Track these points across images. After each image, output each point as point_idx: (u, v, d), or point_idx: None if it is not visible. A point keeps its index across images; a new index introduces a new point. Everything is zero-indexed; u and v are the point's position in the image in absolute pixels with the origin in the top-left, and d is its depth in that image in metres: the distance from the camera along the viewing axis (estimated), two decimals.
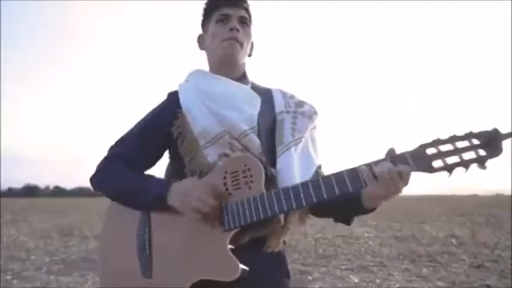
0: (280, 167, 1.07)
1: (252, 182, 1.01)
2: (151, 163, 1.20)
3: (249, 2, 1.23)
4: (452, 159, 0.91)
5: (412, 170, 0.92)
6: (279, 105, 1.19)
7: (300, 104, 1.20)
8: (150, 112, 1.22)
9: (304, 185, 0.97)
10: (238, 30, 1.17)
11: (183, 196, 1.02)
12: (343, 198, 0.98)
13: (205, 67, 1.26)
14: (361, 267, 4.88)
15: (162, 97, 1.23)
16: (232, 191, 1.02)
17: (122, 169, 1.14)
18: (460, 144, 0.92)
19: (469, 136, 0.91)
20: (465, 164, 0.91)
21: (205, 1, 1.25)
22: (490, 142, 0.89)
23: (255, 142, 1.08)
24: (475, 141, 0.91)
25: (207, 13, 1.23)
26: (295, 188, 0.97)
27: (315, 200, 0.95)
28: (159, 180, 1.12)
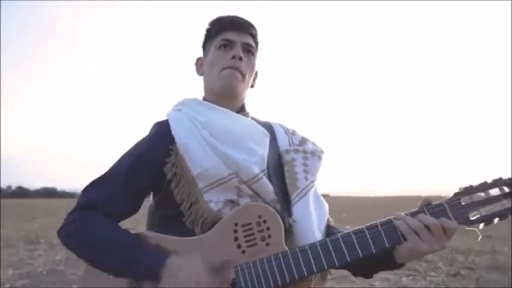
0: (297, 216, 0.94)
1: (269, 237, 0.88)
2: (134, 211, 1.00)
3: (257, 29, 1.10)
4: (487, 210, 0.86)
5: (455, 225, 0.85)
6: (283, 142, 1.06)
7: (304, 141, 1.09)
8: (136, 147, 1.02)
9: (335, 241, 0.86)
10: (241, 58, 1.03)
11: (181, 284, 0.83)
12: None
13: (198, 94, 1.12)
14: (341, 277, 4.85)
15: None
16: (245, 249, 0.88)
17: (105, 229, 0.93)
18: (492, 192, 0.88)
19: (499, 183, 0.88)
20: (502, 215, 0.86)
21: (209, 22, 1.11)
22: None
23: (268, 187, 0.95)
24: (506, 189, 0.87)
25: (209, 35, 1.10)
26: (323, 245, 0.86)
27: (348, 260, 0.84)
28: (152, 252, 0.89)
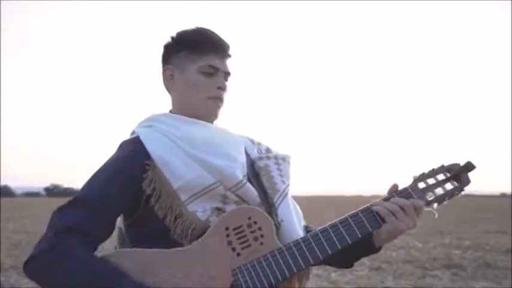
0: (282, 217, 0.99)
1: (262, 236, 0.91)
2: (111, 233, 0.95)
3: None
4: (438, 191, 1.02)
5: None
6: (251, 151, 1.10)
7: (269, 150, 1.14)
8: (110, 165, 0.97)
9: (324, 232, 0.93)
10: (224, 88, 1.05)
11: None
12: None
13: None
14: None
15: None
16: (240, 251, 0.90)
17: (85, 258, 0.86)
18: (439, 176, 1.04)
19: (443, 169, 1.04)
20: (449, 194, 1.02)
21: (190, 34, 1.06)
22: (460, 175, 1.03)
23: (253, 192, 0.97)
24: (448, 174, 1.04)
25: (188, 51, 1.04)
26: (314, 236, 0.92)
27: (339, 247, 0.91)
28: (134, 283, 0.85)
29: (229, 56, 1.07)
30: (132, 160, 0.96)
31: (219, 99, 1.05)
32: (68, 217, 0.89)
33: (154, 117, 1.06)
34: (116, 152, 1.01)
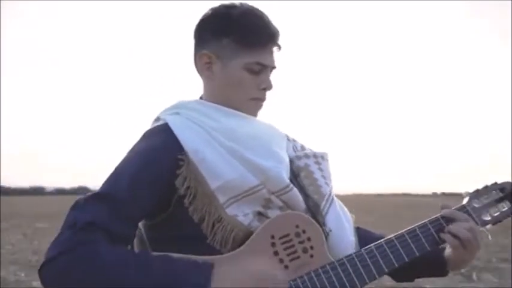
0: (331, 225, 0.88)
1: (312, 248, 0.81)
2: (134, 235, 0.85)
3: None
4: (493, 211, 0.95)
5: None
6: (287, 148, 0.98)
7: (303, 147, 1.02)
8: (137, 157, 0.84)
9: (380, 247, 0.85)
10: (270, 89, 0.94)
11: None
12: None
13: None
14: None
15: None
16: (288, 263, 0.80)
17: (123, 252, 0.77)
18: (493, 195, 0.96)
19: (496, 187, 0.97)
20: (505, 216, 0.95)
21: (237, 17, 0.90)
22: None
23: (299, 198, 0.87)
24: (501, 193, 0.97)
25: (238, 43, 0.89)
26: (370, 253, 0.84)
27: (396, 265, 0.84)
28: (190, 263, 0.76)
29: (279, 47, 0.93)
30: (163, 152, 0.83)
31: (262, 101, 0.94)
32: (90, 212, 0.76)
33: (185, 104, 0.93)
34: (142, 142, 0.88)
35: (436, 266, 0.91)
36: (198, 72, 0.96)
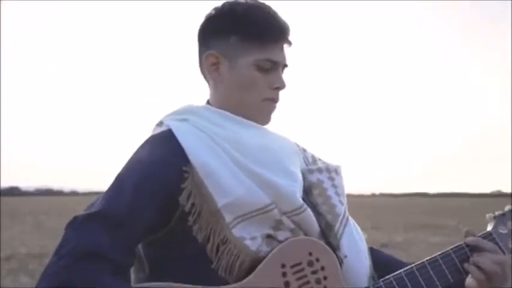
0: (346, 250, 0.82)
1: (325, 278, 0.75)
2: (134, 259, 0.78)
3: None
4: None
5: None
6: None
7: (314, 158, 0.95)
8: (138, 169, 0.78)
9: (399, 279, 0.79)
10: (283, 88, 0.88)
11: None
12: None
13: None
14: None
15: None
16: None
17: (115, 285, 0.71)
18: None
19: None
20: None
21: (243, 13, 0.84)
22: None
23: (313, 219, 0.81)
24: None
25: (246, 40, 0.84)
26: (389, 284, 0.78)
27: None
28: None
29: (290, 43, 0.88)
30: (167, 164, 0.77)
31: (275, 102, 0.88)
32: (89, 237, 0.71)
33: (193, 109, 0.86)
34: (144, 150, 0.82)
35: None
36: (204, 76, 0.90)
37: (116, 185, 0.78)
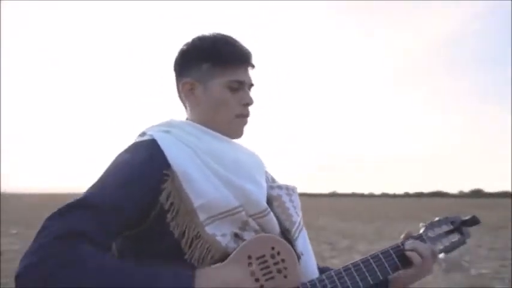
0: (301, 250, 0.94)
1: (285, 268, 0.86)
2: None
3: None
4: (445, 241, 1.06)
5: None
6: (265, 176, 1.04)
7: (273, 179, 1.08)
8: (123, 169, 0.85)
9: (347, 270, 0.91)
10: (251, 104, 1.00)
11: None
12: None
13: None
14: None
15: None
16: (263, 282, 0.84)
17: (105, 259, 0.75)
18: (444, 227, 1.08)
19: (447, 221, 1.09)
20: (455, 246, 1.07)
21: (212, 44, 0.97)
22: (461, 228, 1.08)
23: (275, 222, 0.92)
24: (451, 226, 1.08)
25: (216, 65, 0.96)
26: (339, 275, 0.90)
27: (368, 284, 0.91)
28: (172, 271, 0.77)
29: (253, 66, 1.00)
30: (150, 166, 0.85)
31: (246, 116, 0.99)
32: (74, 221, 0.74)
33: (175, 123, 0.96)
34: (128, 153, 0.89)
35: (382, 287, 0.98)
36: (182, 100, 1.02)
37: (100, 183, 0.83)
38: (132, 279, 0.74)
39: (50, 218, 0.75)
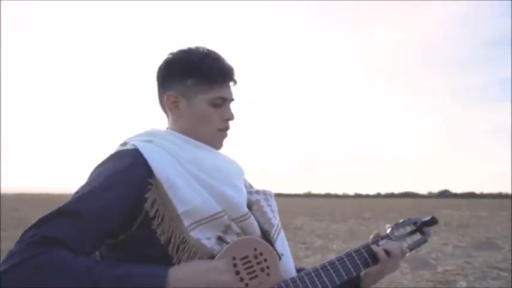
0: (280, 251, 1.01)
1: (268, 268, 0.94)
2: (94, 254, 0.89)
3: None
4: (409, 240, 1.17)
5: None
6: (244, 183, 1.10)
7: (251, 185, 1.14)
8: (104, 176, 0.88)
9: (324, 268, 1.00)
10: (232, 119, 1.05)
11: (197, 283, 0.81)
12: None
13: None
14: None
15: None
16: (248, 281, 0.91)
17: (85, 260, 0.79)
18: (408, 228, 1.20)
19: (410, 222, 1.21)
20: (417, 244, 1.18)
21: (197, 60, 1.00)
22: (422, 228, 1.20)
23: (255, 225, 0.99)
24: (414, 226, 1.20)
25: (200, 82, 0.99)
26: (316, 271, 0.99)
27: (337, 283, 0.98)
28: (144, 268, 0.81)
29: (235, 82, 1.05)
30: (133, 175, 0.89)
31: (226, 130, 1.04)
32: (55, 228, 0.78)
33: (156, 133, 1.00)
34: (111, 161, 0.92)
35: (353, 284, 1.07)
36: (164, 110, 1.05)
37: (82, 189, 0.87)
38: (101, 278, 0.76)
39: (33, 226, 0.80)
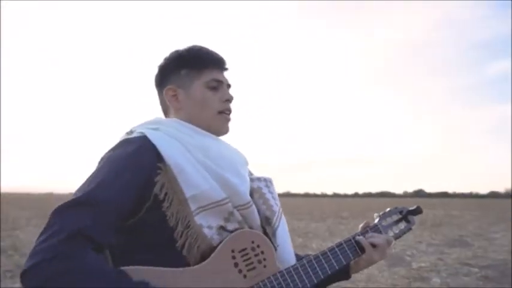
0: (280, 239, 1.05)
1: (265, 259, 0.98)
2: (115, 241, 0.87)
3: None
4: (395, 229, 1.25)
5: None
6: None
7: (251, 172, 1.16)
8: (115, 162, 0.90)
9: (316, 258, 1.05)
10: (231, 100, 1.09)
11: None
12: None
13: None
14: None
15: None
16: (246, 273, 0.96)
17: (99, 265, 0.81)
18: (394, 216, 1.27)
19: (396, 211, 1.28)
20: (403, 233, 1.26)
21: (186, 52, 1.06)
22: (408, 217, 1.28)
23: (256, 214, 1.02)
24: (400, 215, 1.28)
25: (193, 69, 1.04)
26: (309, 262, 1.04)
27: (329, 272, 1.04)
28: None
29: (226, 69, 1.09)
30: (143, 159, 0.91)
31: (228, 112, 1.07)
32: (74, 221, 0.80)
33: (162, 121, 1.02)
34: (120, 148, 0.94)
35: (343, 271, 1.14)
36: (166, 108, 1.08)
37: (95, 177, 0.89)
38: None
39: (56, 214, 0.81)
